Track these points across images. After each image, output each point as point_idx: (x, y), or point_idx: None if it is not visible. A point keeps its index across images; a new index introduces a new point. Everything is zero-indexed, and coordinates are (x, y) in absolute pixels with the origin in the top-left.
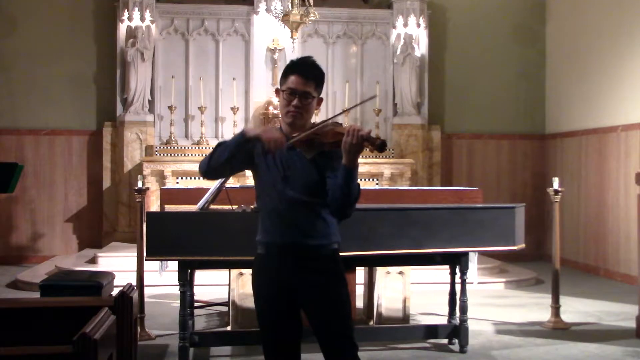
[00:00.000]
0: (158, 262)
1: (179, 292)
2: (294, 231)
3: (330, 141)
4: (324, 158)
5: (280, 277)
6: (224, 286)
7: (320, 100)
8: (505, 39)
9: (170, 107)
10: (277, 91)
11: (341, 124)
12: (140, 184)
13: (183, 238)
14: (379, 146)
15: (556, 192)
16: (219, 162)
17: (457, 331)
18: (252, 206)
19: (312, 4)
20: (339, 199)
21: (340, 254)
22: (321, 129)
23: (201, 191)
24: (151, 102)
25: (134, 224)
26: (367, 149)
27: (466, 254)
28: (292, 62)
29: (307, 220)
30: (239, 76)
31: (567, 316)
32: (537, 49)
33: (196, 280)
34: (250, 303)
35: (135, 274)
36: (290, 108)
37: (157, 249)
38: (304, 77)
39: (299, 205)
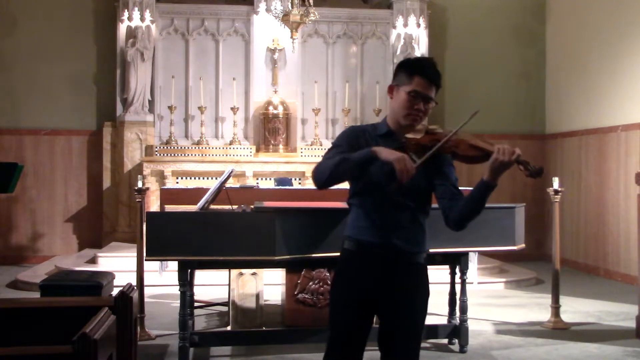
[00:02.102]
0: (158, 262)
1: (179, 292)
2: (392, 234)
3: (467, 154)
4: (434, 164)
5: (370, 277)
6: (224, 286)
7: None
8: (505, 39)
9: (170, 107)
10: (391, 88)
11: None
12: (140, 184)
13: (183, 238)
14: (535, 172)
15: (556, 192)
16: (343, 177)
17: (457, 331)
18: (251, 206)
19: (312, 4)
20: (467, 212)
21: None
22: (449, 139)
23: (201, 191)
24: (151, 102)
25: (134, 224)
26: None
27: (466, 254)
28: (414, 61)
29: (407, 225)
30: (239, 76)
31: (567, 316)
32: (537, 49)
33: (196, 280)
34: (250, 303)
35: (135, 274)
36: (413, 111)
37: (157, 249)
38: (430, 80)
39: (403, 209)
